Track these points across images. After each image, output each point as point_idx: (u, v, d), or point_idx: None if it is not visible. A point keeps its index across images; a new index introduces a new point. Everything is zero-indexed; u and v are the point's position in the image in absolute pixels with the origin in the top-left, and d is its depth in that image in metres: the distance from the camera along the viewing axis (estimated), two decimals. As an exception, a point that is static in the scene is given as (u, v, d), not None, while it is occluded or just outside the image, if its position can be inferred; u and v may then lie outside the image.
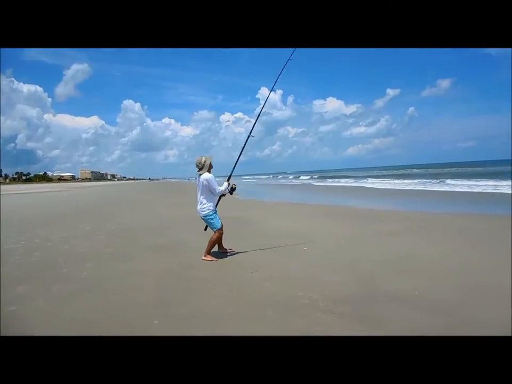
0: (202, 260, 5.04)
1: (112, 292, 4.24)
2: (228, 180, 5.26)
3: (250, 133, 5.66)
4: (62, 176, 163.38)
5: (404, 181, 30.63)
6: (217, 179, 5.03)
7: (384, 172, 59.65)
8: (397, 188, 24.45)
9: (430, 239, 6.64)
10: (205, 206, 4.97)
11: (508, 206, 11.13)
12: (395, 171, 59.65)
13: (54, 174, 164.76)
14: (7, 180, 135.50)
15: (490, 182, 21.74)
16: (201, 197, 4.97)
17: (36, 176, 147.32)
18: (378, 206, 13.15)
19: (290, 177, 60.49)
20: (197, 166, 4.94)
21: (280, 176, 75.45)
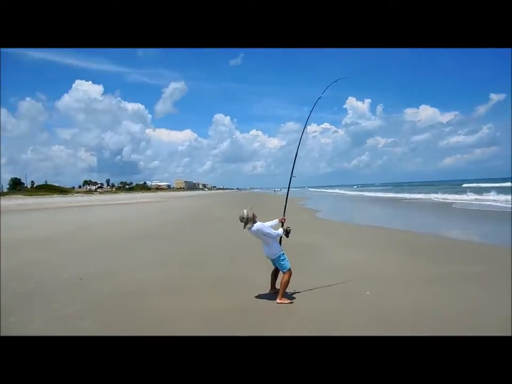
0: (278, 303, 4.81)
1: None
2: (283, 216, 5.20)
3: (292, 173, 5.56)
4: (159, 185, 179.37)
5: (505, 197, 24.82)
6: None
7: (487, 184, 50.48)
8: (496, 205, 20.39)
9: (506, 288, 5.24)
10: (271, 249, 4.94)
11: None
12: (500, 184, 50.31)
13: (153, 184, 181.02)
14: (113, 189, 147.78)
15: None
16: (265, 243, 4.97)
17: (137, 185, 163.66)
18: (466, 235, 10.85)
19: (377, 193, 52.96)
20: (242, 221, 4.84)
21: (366, 189, 73.43)
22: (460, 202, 24.31)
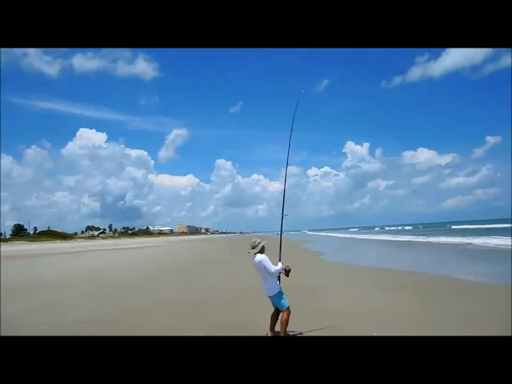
0: None
1: None
2: (279, 257, 5.11)
3: (283, 212, 5.55)
4: (162, 230, 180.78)
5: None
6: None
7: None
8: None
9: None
10: (270, 286, 4.85)
11: None
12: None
13: (155, 228, 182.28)
14: (116, 234, 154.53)
15: None
16: (264, 278, 4.88)
17: (139, 230, 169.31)
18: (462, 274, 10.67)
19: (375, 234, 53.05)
20: (252, 246, 4.88)
21: (371, 231, 76.81)
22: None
